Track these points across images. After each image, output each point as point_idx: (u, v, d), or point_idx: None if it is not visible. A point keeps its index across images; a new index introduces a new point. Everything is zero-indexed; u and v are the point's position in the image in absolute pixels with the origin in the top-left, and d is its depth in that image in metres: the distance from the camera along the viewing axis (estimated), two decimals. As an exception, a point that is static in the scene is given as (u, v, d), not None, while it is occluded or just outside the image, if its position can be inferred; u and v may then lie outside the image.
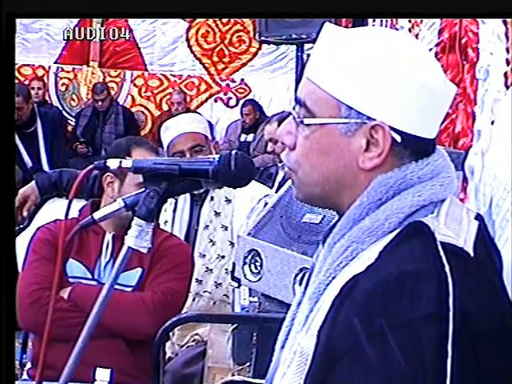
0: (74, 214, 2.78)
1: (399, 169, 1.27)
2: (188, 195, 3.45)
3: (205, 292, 3.39)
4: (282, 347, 1.40)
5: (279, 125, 5.55)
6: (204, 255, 3.39)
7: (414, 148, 1.29)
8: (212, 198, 3.44)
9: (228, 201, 3.43)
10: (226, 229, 3.42)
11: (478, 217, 1.35)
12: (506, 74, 2.24)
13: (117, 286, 2.63)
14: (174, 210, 3.48)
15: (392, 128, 1.26)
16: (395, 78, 1.26)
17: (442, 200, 1.29)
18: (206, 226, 3.43)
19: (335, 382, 1.17)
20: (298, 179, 1.34)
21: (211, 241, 3.42)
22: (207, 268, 3.39)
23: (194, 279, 3.10)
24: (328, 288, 1.26)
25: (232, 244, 3.35)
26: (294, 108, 1.34)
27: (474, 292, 1.19)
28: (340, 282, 1.22)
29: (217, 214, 3.43)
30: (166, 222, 3.42)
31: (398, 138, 1.27)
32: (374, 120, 1.27)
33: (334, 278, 1.26)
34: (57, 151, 7.94)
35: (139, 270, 2.75)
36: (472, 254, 1.23)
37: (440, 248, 1.19)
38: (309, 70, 1.33)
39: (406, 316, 1.15)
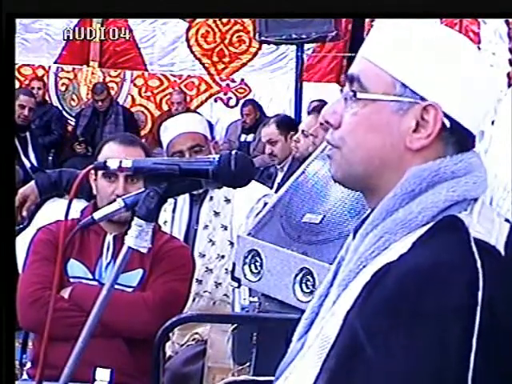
0: (75, 214, 2.78)
1: (434, 162, 1.29)
2: (187, 195, 3.44)
3: (205, 292, 3.39)
4: (299, 339, 1.40)
5: (277, 127, 5.52)
6: (204, 255, 3.39)
7: (458, 137, 1.31)
8: (211, 198, 3.44)
9: (227, 201, 3.43)
10: (225, 229, 3.42)
11: (507, 220, 1.36)
12: (509, 74, 2.24)
13: (118, 287, 2.64)
14: (174, 210, 3.48)
15: (443, 113, 1.29)
16: (455, 65, 1.29)
17: (475, 200, 1.30)
18: (206, 226, 3.42)
19: (358, 367, 1.17)
20: (342, 156, 1.34)
21: (211, 241, 3.41)
22: (207, 268, 3.39)
23: (194, 279, 3.10)
24: (358, 276, 1.27)
25: (232, 244, 3.34)
26: (341, 90, 1.36)
27: (502, 289, 1.20)
28: (371, 270, 1.23)
29: (216, 213, 3.43)
30: (165, 222, 3.42)
31: (448, 123, 1.29)
32: (427, 101, 1.28)
33: (364, 266, 1.27)
34: (45, 160, 7.92)
35: (140, 271, 2.76)
36: (503, 253, 1.24)
37: (473, 243, 1.21)
38: (365, 48, 1.35)
39: (434, 306, 1.16)
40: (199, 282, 3.33)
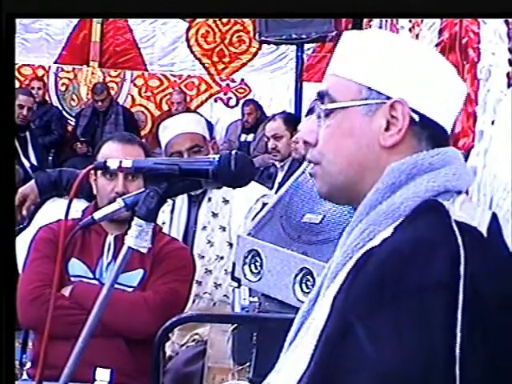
0: (75, 214, 2.78)
1: (411, 156, 1.33)
2: (185, 196, 3.44)
3: (204, 293, 3.39)
4: (290, 344, 1.41)
5: (284, 122, 5.47)
6: (203, 256, 3.38)
7: (430, 131, 1.36)
8: (210, 199, 3.43)
9: (226, 201, 3.42)
10: (224, 229, 3.41)
11: (493, 214, 1.37)
12: (508, 74, 2.25)
13: (118, 286, 2.64)
14: (172, 211, 3.47)
15: (410, 108, 1.34)
16: (413, 61, 1.36)
17: (458, 193, 1.33)
18: (204, 227, 3.42)
19: (347, 349, 1.18)
20: (323, 169, 1.39)
21: (209, 242, 3.41)
22: (206, 269, 3.39)
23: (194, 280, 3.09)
24: (344, 267, 1.29)
25: (230, 245, 3.34)
26: (313, 109, 1.39)
27: (486, 267, 1.21)
28: (356, 258, 1.27)
29: (214, 214, 3.42)
30: (163, 222, 3.41)
31: (416, 117, 1.34)
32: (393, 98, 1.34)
33: (351, 257, 1.29)
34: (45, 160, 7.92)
35: (141, 271, 2.76)
36: (485, 235, 1.26)
37: (454, 223, 1.23)
38: (331, 66, 1.42)
39: (417, 282, 1.17)
40: (199, 283, 3.32)
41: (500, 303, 1.21)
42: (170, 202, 3.42)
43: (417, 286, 1.17)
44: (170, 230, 3.40)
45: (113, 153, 2.75)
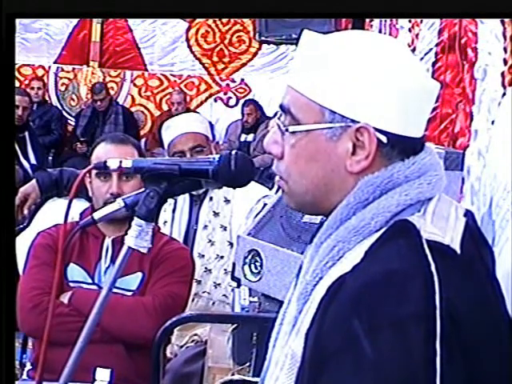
0: (75, 216, 2.78)
1: (386, 169, 1.28)
2: (187, 195, 3.44)
3: (204, 292, 3.39)
4: (274, 346, 1.39)
5: None
6: (203, 255, 3.39)
7: (401, 147, 1.28)
8: (211, 199, 3.44)
9: (227, 201, 3.43)
10: (224, 229, 3.42)
11: (468, 213, 1.35)
12: (503, 73, 2.25)
13: (118, 291, 2.63)
14: (174, 211, 3.48)
15: (377, 129, 1.26)
16: (376, 80, 1.26)
17: (430, 198, 1.29)
18: (205, 226, 3.42)
19: (325, 382, 1.16)
20: (289, 188, 1.35)
21: (210, 241, 3.41)
22: (206, 268, 3.39)
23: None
24: (315, 288, 1.26)
25: (231, 244, 3.34)
26: (279, 117, 1.34)
27: (461, 289, 1.19)
28: (327, 283, 1.22)
29: (216, 214, 3.43)
30: (165, 222, 3.42)
31: (384, 139, 1.27)
32: (358, 122, 1.27)
33: (321, 278, 1.26)
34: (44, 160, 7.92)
35: (139, 274, 2.75)
36: (459, 252, 1.23)
37: (426, 246, 1.19)
38: (290, 78, 1.34)
39: (393, 316, 1.14)
40: (198, 282, 3.33)
41: (477, 325, 1.18)
42: (171, 201, 3.42)
43: (393, 319, 1.13)
44: (171, 229, 3.40)
45: (106, 154, 2.74)
